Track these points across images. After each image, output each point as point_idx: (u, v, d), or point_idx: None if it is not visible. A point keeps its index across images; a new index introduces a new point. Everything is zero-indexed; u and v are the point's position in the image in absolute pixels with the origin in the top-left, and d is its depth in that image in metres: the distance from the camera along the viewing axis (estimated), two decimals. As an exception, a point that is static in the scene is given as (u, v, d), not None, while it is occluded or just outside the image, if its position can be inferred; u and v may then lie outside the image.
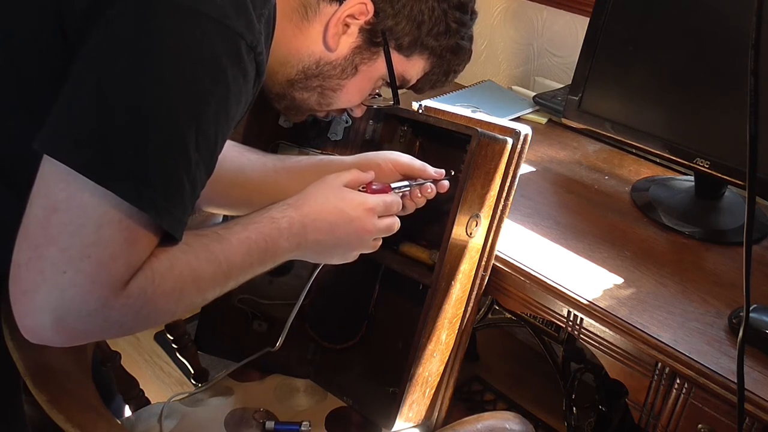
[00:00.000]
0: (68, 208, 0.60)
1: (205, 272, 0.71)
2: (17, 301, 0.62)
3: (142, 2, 0.63)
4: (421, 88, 1.01)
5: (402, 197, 0.94)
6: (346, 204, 0.86)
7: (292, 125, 1.14)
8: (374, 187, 0.91)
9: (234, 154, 0.99)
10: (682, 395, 0.98)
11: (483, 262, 1.09)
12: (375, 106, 1.03)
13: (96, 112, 0.61)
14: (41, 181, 0.62)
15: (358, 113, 0.99)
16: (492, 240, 1.08)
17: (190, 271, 0.69)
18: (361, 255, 0.92)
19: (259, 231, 0.78)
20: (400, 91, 0.97)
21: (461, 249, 1.03)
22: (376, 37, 0.88)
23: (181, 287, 0.68)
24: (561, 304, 1.08)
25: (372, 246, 0.91)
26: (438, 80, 1.00)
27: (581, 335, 1.09)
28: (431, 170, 0.97)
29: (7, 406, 0.96)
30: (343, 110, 0.98)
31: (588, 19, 1.32)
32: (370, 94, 0.96)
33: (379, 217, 0.89)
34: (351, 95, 0.93)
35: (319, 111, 0.95)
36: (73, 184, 0.60)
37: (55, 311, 0.61)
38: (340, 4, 0.84)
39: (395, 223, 0.91)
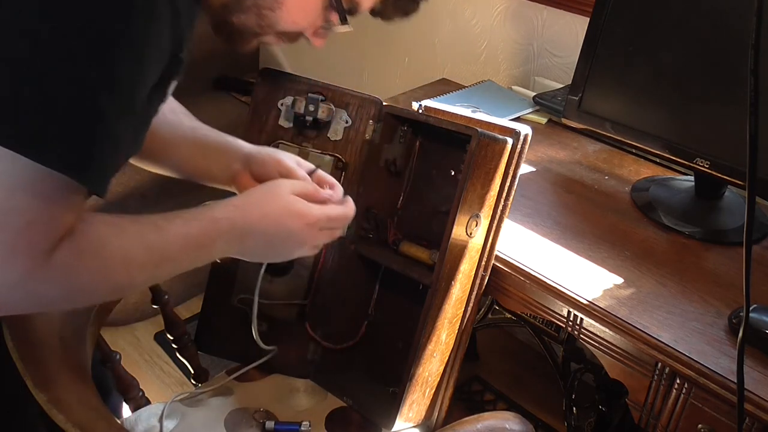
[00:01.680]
0: None
1: (137, 259, 0.70)
2: None
3: None
4: (389, 15, 0.94)
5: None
6: (288, 217, 0.85)
7: (293, 125, 1.14)
8: None
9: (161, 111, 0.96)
10: (682, 395, 0.98)
11: (483, 262, 1.09)
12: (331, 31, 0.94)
13: None
14: None
15: (316, 43, 0.92)
16: (492, 240, 1.08)
17: (121, 255, 0.68)
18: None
19: (199, 227, 0.77)
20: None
21: (461, 249, 1.03)
22: None
23: (109, 268, 0.67)
24: (561, 304, 1.08)
25: (312, 252, 0.91)
26: (405, 4, 0.93)
27: (581, 335, 1.09)
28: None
29: (7, 405, 0.96)
30: (297, 35, 0.90)
31: (588, 19, 1.32)
32: (326, 20, 0.89)
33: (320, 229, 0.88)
34: (293, 15, 0.86)
35: (264, 34, 0.88)
36: None
37: None
38: None
39: (337, 232, 0.92)
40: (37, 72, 0.58)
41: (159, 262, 0.73)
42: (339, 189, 0.98)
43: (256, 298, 1.07)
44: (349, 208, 0.93)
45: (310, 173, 0.99)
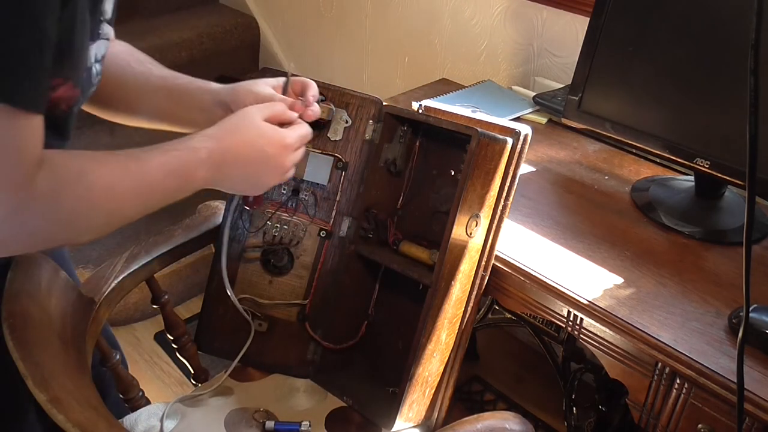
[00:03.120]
0: None
1: (121, 186, 0.73)
2: None
3: None
4: None
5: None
6: (266, 141, 0.88)
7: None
8: None
9: (126, 62, 0.99)
10: (682, 395, 0.98)
11: (483, 262, 1.09)
12: None
13: None
14: None
15: None
16: (492, 240, 1.08)
17: (102, 182, 0.71)
18: None
19: (178, 158, 0.80)
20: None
21: (461, 249, 1.03)
22: None
23: (93, 194, 0.70)
24: (561, 304, 1.08)
25: (284, 179, 0.94)
26: None
27: (581, 335, 1.09)
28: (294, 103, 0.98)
29: (7, 405, 0.96)
30: None
31: (588, 19, 1.32)
32: None
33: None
34: None
35: None
36: None
37: None
38: None
39: (303, 151, 0.95)
40: None
41: (144, 191, 0.76)
42: (313, 88, 1.02)
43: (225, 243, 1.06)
44: (307, 127, 0.96)
45: (285, 84, 1.00)
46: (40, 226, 0.67)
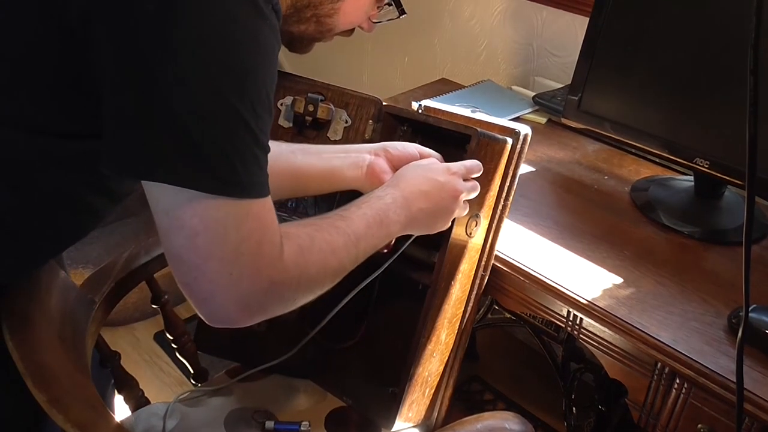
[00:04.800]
0: (206, 228, 0.66)
1: (339, 244, 0.81)
2: (200, 306, 0.70)
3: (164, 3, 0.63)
4: None
5: None
6: (434, 173, 0.94)
7: (292, 124, 1.14)
8: None
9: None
10: (681, 395, 0.98)
11: (483, 262, 1.09)
12: (385, 21, 1.03)
13: (170, 130, 0.65)
14: (167, 213, 0.67)
15: (367, 29, 1.01)
16: (492, 240, 1.08)
17: (327, 244, 0.79)
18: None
19: (371, 207, 0.88)
20: None
21: (461, 249, 1.03)
22: None
23: (324, 258, 0.78)
24: (560, 303, 1.08)
25: (463, 207, 0.97)
26: None
27: (581, 335, 1.09)
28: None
29: (6, 405, 0.96)
30: (352, 30, 0.99)
31: (587, 18, 1.32)
32: (378, 7, 0.98)
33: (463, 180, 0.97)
34: (350, 16, 0.94)
35: (324, 38, 0.97)
36: (198, 206, 0.66)
37: (236, 303, 0.69)
38: None
39: (477, 185, 0.98)
40: (211, 125, 0.66)
41: (356, 243, 0.83)
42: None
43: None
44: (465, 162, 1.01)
45: None
46: (291, 290, 0.75)
